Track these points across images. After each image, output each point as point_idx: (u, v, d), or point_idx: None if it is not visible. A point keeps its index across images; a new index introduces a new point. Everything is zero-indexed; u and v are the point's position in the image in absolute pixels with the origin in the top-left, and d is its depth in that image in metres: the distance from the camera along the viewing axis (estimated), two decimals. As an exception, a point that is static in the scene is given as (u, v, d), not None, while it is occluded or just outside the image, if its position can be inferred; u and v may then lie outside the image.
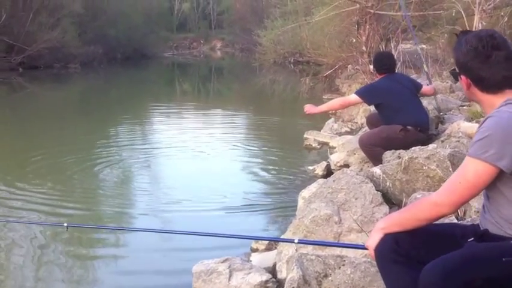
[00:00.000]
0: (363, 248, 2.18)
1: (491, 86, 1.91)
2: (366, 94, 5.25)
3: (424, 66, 6.38)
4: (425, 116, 5.16)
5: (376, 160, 4.72)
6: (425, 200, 1.98)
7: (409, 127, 4.89)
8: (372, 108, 6.08)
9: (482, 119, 1.92)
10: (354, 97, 5.30)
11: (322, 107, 5.69)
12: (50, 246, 4.38)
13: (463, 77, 1.97)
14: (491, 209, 1.92)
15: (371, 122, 5.65)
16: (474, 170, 1.81)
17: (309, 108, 5.43)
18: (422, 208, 1.95)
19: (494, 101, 1.91)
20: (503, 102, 1.88)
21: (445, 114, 5.93)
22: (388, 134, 4.91)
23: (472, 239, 1.92)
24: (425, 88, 5.62)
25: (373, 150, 4.90)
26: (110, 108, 14.57)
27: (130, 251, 4.38)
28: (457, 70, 1.99)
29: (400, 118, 4.94)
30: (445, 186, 1.92)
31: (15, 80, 23.04)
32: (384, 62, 5.40)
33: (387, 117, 5.10)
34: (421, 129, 4.95)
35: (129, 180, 6.60)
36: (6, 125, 11.14)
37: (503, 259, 1.74)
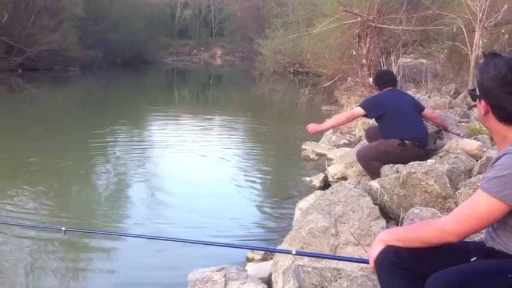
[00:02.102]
0: (361, 261, 2.18)
1: (511, 118, 1.86)
2: (369, 106, 5.25)
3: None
4: (424, 131, 5.17)
5: (373, 174, 4.71)
6: (433, 224, 1.96)
7: (406, 142, 4.89)
8: (371, 121, 6.08)
9: (496, 153, 1.88)
10: (358, 109, 5.29)
11: (329, 123, 5.65)
12: (46, 250, 4.36)
13: (482, 101, 1.90)
14: (500, 231, 1.91)
15: (369, 135, 5.66)
16: (487, 205, 1.79)
17: (313, 127, 5.33)
18: (428, 231, 1.93)
19: (507, 133, 1.88)
20: None
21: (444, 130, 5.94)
22: (386, 148, 4.91)
23: (475, 258, 1.93)
24: (427, 111, 5.54)
25: (371, 164, 4.90)
26: (108, 113, 14.57)
27: (126, 257, 4.36)
28: (478, 93, 1.92)
29: (398, 132, 4.95)
30: (455, 215, 1.88)
31: (14, 81, 23.08)
32: (384, 77, 5.46)
33: (386, 131, 5.10)
34: (418, 145, 4.95)
35: (127, 186, 6.58)
36: (2, 127, 11.11)
37: (509, 275, 1.75)
